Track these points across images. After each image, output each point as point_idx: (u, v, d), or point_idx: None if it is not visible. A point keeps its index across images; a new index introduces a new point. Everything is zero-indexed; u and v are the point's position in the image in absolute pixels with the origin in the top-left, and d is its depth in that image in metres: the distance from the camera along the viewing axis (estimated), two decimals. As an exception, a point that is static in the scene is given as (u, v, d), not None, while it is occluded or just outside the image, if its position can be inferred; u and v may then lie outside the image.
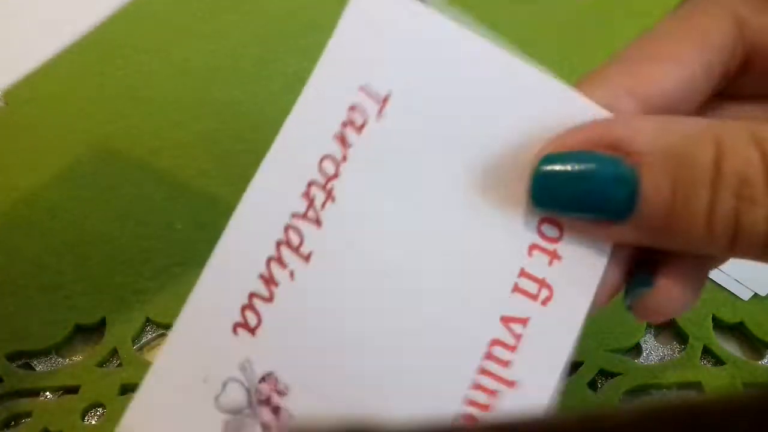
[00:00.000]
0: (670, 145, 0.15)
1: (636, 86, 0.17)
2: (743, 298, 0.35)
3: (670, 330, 0.35)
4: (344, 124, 0.18)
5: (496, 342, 0.17)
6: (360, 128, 0.18)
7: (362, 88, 0.18)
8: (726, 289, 0.36)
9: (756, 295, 0.36)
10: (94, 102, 0.47)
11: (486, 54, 0.19)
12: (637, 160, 0.15)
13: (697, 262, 0.18)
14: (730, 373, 0.33)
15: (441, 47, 0.18)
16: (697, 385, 0.32)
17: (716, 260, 0.19)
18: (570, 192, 0.16)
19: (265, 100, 0.49)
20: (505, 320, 0.17)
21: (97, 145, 0.44)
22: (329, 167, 0.18)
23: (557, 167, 0.16)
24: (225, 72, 0.51)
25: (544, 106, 0.17)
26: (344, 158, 0.18)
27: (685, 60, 0.17)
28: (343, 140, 0.18)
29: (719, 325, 0.35)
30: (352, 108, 0.18)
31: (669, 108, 0.17)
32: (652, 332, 0.34)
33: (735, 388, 0.32)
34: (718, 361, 0.33)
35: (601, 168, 0.15)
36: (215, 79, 0.50)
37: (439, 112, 0.18)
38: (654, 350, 0.34)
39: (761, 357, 0.34)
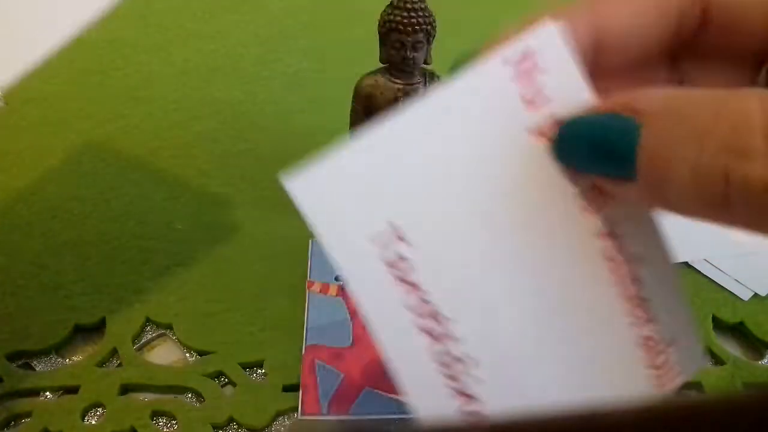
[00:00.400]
0: (674, 105, 0.16)
1: (593, 20, 0.19)
2: (743, 298, 0.35)
3: (670, 330, 0.35)
4: (391, 266, 0.18)
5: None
6: (402, 261, 0.18)
7: (371, 238, 0.18)
8: (726, 289, 0.36)
9: (756, 295, 0.36)
10: (94, 102, 0.47)
11: (419, 113, 0.18)
12: (642, 117, 0.16)
13: None
14: (730, 373, 0.33)
15: (390, 152, 0.18)
16: (697, 385, 0.32)
17: None
18: (580, 144, 0.18)
19: (265, 100, 0.49)
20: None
21: (97, 145, 0.44)
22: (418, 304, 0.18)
23: (571, 125, 0.18)
24: (225, 72, 0.51)
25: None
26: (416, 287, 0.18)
27: (641, 1, 0.19)
28: (403, 281, 0.18)
29: (719, 325, 0.35)
30: (387, 262, 0.18)
31: (625, 44, 0.19)
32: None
33: (735, 388, 0.32)
34: (718, 361, 0.33)
35: (610, 122, 0.17)
36: (215, 79, 0.50)
37: (451, 190, 0.18)
38: (654, 350, 0.34)
39: (761, 357, 0.34)
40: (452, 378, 0.18)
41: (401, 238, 0.18)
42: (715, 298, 0.35)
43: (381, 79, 0.33)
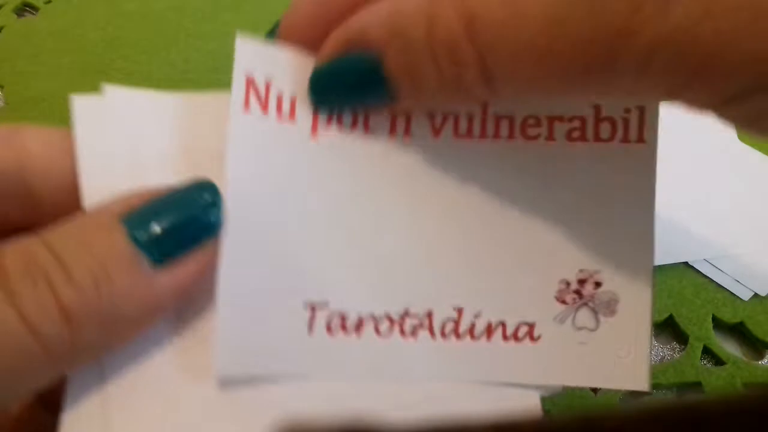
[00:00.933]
0: (395, 27, 0.17)
1: None
2: (743, 298, 0.35)
3: (670, 330, 0.35)
4: None
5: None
6: None
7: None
8: (726, 289, 0.36)
9: (756, 295, 0.36)
10: (94, 102, 0.47)
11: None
12: (376, 48, 0.17)
13: None
14: (730, 373, 0.33)
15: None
16: (697, 385, 0.32)
17: None
18: (336, 94, 0.18)
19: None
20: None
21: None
22: None
23: (325, 80, 0.18)
24: (225, 72, 0.51)
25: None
26: None
27: None
28: None
29: (719, 325, 0.35)
30: None
31: None
32: (653, 332, 0.34)
33: (735, 388, 0.32)
34: (718, 361, 0.33)
35: (350, 64, 0.17)
36: (215, 79, 0.50)
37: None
38: (654, 350, 0.34)
39: (761, 357, 0.34)
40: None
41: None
42: (715, 298, 0.35)
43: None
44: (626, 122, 0.19)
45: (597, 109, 0.19)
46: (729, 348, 0.34)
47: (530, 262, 0.19)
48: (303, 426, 0.12)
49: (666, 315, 0.34)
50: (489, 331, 0.19)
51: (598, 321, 0.19)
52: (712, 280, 0.36)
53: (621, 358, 0.18)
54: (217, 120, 0.19)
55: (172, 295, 0.16)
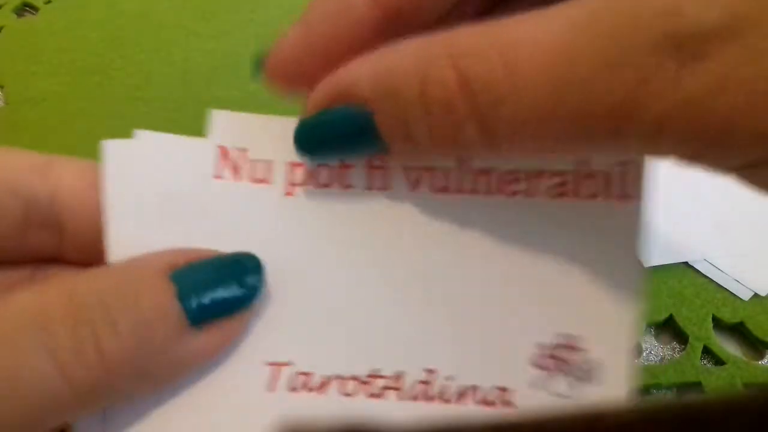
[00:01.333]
0: (385, 86, 0.16)
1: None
2: (743, 298, 0.35)
3: (670, 330, 0.35)
4: None
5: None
6: None
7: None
8: (726, 289, 0.36)
9: (756, 295, 0.36)
10: (94, 102, 0.47)
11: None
12: (366, 105, 0.17)
13: None
14: (730, 373, 0.33)
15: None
16: (697, 385, 0.32)
17: None
18: (326, 147, 0.18)
19: (265, 100, 0.48)
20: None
21: (97, 145, 0.44)
22: None
23: (311, 132, 0.18)
24: (225, 72, 0.51)
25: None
26: None
27: None
28: None
29: (719, 325, 0.35)
30: None
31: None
32: (652, 332, 0.34)
33: (735, 388, 0.32)
34: (718, 361, 0.33)
35: (344, 120, 0.17)
36: (215, 79, 0.50)
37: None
38: (654, 350, 0.34)
39: (761, 357, 0.34)
40: None
41: None
42: (715, 298, 0.35)
43: (381, 79, 0.33)
44: (611, 178, 0.18)
45: (580, 164, 0.18)
46: (729, 348, 0.34)
47: (506, 323, 0.18)
48: (303, 426, 0.12)
49: (666, 315, 0.34)
50: (462, 394, 0.18)
51: (574, 388, 0.18)
52: (712, 280, 0.36)
53: None
54: None
55: (200, 357, 0.17)
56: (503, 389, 0.18)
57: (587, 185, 0.18)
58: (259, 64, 0.19)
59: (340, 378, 0.18)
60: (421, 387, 0.18)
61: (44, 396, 0.15)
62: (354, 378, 0.18)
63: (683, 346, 0.34)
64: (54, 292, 0.15)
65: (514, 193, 0.18)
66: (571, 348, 0.18)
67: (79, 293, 0.15)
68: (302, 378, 0.18)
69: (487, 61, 0.15)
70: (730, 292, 0.36)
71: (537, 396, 0.18)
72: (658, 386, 0.32)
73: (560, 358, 0.18)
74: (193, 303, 0.16)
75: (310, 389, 0.18)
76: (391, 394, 0.18)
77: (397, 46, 0.17)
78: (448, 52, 0.15)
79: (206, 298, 0.16)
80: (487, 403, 0.18)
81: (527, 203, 0.18)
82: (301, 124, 0.18)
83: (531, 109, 0.15)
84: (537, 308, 0.18)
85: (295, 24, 0.20)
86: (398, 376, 0.18)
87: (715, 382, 0.32)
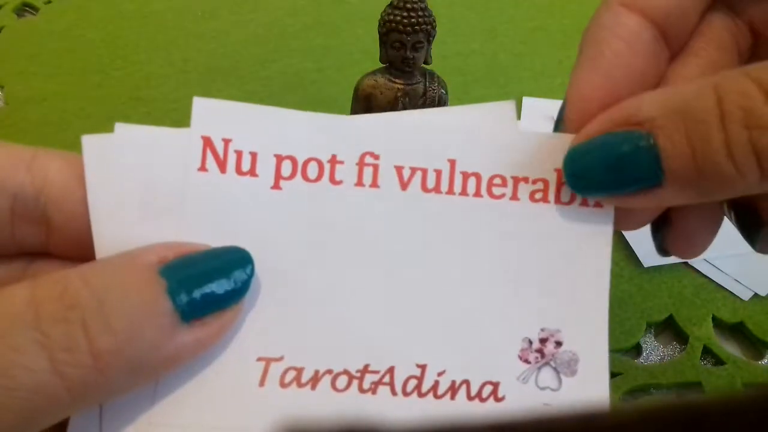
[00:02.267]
0: (674, 104, 0.16)
1: (634, 3, 0.19)
2: (743, 298, 0.35)
3: (670, 330, 0.35)
4: None
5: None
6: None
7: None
8: (726, 289, 0.36)
9: (756, 295, 0.36)
10: (94, 102, 0.47)
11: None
12: (649, 126, 0.16)
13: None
14: (730, 373, 0.33)
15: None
16: (697, 385, 0.32)
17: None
18: (602, 175, 0.17)
19: (265, 100, 0.48)
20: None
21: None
22: None
23: (583, 159, 0.17)
24: (225, 72, 0.51)
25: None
26: None
27: None
28: None
29: (719, 325, 0.35)
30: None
31: (667, 22, 0.19)
32: (652, 332, 0.34)
33: (735, 388, 0.32)
34: (718, 361, 0.33)
35: (621, 144, 0.17)
36: (215, 79, 0.50)
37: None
38: (654, 350, 0.34)
39: (761, 357, 0.34)
40: None
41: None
42: (715, 298, 0.35)
43: (381, 79, 0.33)
44: None
45: (559, 172, 0.19)
46: (729, 348, 0.34)
47: (494, 319, 0.19)
48: (303, 426, 0.12)
49: (666, 315, 0.34)
50: (453, 389, 0.18)
51: (560, 381, 0.19)
52: (712, 280, 0.36)
53: None
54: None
55: (192, 352, 0.17)
56: (494, 384, 0.19)
57: (564, 192, 0.19)
58: (558, 121, 0.20)
59: (332, 372, 0.18)
60: (412, 382, 0.18)
61: (39, 393, 0.14)
62: (345, 372, 0.18)
63: (683, 346, 0.34)
64: (46, 288, 0.15)
65: (500, 196, 0.19)
66: (554, 341, 0.19)
67: (70, 290, 0.15)
68: (293, 373, 0.18)
69: None
70: (730, 292, 0.36)
71: (526, 390, 0.19)
72: (658, 386, 0.32)
73: (544, 351, 0.19)
74: (184, 299, 0.16)
75: (302, 384, 0.18)
76: (384, 389, 0.18)
77: (673, 86, 0.17)
78: (744, 71, 0.16)
79: (196, 294, 0.16)
80: (479, 398, 0.18)
81: (511, 206, 0.19)
82: (571, 150, 0.18)
83: None
84: (521, 304, 0.19)
85: (585, 65, 0.19)
86: (389, 371, 0.18)
87: (715, 382, 0.32)
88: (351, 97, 0.35)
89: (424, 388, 0.18)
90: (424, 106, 0.34)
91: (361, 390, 0.18)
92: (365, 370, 0.18)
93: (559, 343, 0.19)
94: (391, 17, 0.31)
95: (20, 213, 0.18)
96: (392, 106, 0.33)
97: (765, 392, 0.10)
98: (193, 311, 0.16)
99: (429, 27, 0.32)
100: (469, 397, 0.18)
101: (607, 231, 0.19)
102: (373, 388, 0.18)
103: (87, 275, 0.16)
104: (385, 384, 0.18)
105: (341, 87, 0.38)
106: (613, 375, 0.32)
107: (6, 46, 0.52)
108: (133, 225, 0.18)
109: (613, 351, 0.33)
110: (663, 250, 0.20)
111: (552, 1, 0.57)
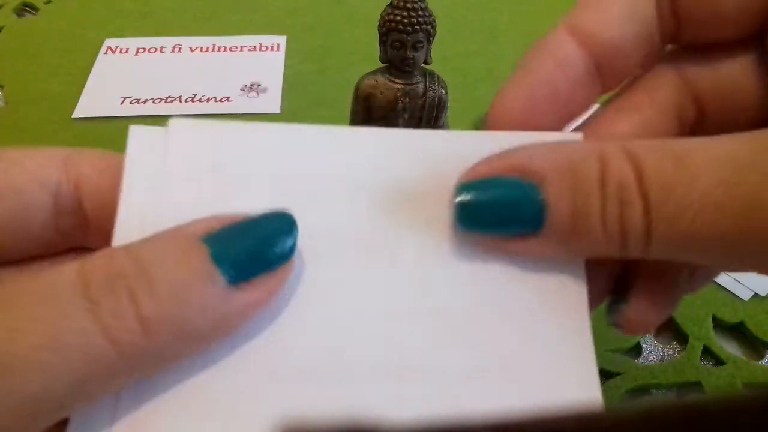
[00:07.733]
0: (565, 163, 0.17)
1: (578, 31, 0.20)
2: (743, 298, 0.35)
3: (670, 330, 0.35)
4: None
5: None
6: None
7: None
8: (726, 289, 0.36)
9: (756, 295, 0.36)
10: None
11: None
12: (539, 178, 0.17)
13: (666, 280, 0.20)
14: (730, 373, 0.33)
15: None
16: (697, 385, 0.32)
17: (685, 278, 0.21)
18: (487, 213, 0.18)
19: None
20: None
21: (96, 144, 0.44)
22: None
23: (473, 194, 0.18)
24: (225, 72, 0.51)
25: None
26: None
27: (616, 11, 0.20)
28: None
29: (719, 325, 0.35)
30: None
31: (604, 57, 0.20)
32: (652, 332, 0.34)
33: (735, 388, 0.32)
34: (718, 361, 0.33)
35: (510, 189, 0.18)
36: (215, 79, 0.50)
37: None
38: (654, 350, 0.34)
39: (761, 357, 0.34)
40: None
41: None
42: (715, 298, 0.35)
43: (381, 79, 0.33)
44: None
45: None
46: (729, 348, 0.34)
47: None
48: (303, 426, 0.12)
49: (666, 315, 0.35)
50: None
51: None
52: (712, 280, 0.36)
53: None
54: (269, 149, 0.20)
55: (242, 315, 0.17)
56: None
57: None
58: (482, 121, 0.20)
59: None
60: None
61: (91, 359, 0.15)
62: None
63: (683, 346, 0.34)
64: (93, 261, 0.16)
65: None
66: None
67: (115, 261, 0.16)
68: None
69: (660, 155, 0.17)
70: (730, 292, 0.36)
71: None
72: (658, 386, 0.32)
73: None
74: (228, 262, 0.16)
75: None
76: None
77: (561, 143, 0.18)
78: (624, 147, 0.17)
79: (242, 256, 0.17)
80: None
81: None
82: (465, 185, 0.18)
83: (701, 195, 0.16)
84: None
85: (514, 78, 0.21)
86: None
87: (715, 382, 0.32)
88: (351, 97, 0.35)
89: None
90: (424, 106, 0.34)
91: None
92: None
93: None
94: (391, 17, 0.31)
95: (61, 207, 0.19)
96: (392, 106, 0.33)
97: (765, 392, 0.10)
98: (240, 274, 0.17)
99: (429, 27, 0.32)
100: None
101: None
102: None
103: (132, 248, 0.16)
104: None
105: (341, 87, 0.38)
106: (613, 375, 0.32)
107: (6, 46, 0.52)
108: (168, 212, 0.18)
109: (613, 351, 0.33)
110: (616, 325, 0.21)
111: (552, 1, 0.57)
